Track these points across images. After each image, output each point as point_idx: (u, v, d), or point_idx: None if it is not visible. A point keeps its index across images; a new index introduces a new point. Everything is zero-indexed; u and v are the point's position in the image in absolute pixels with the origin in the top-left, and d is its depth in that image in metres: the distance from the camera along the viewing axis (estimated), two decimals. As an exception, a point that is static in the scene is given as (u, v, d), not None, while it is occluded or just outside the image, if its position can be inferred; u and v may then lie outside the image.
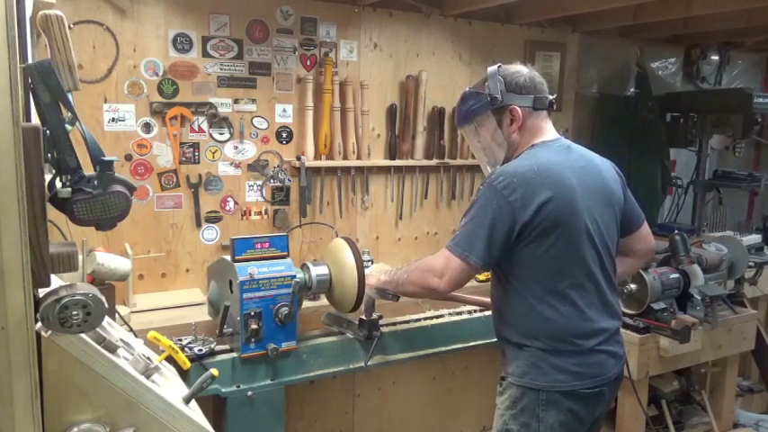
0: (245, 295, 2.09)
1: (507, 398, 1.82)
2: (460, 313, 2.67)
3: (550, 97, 1.87)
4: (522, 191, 1.69)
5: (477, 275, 3.08)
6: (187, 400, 1.40)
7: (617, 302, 1.89)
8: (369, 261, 2.97)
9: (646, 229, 2.02)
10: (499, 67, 1.85)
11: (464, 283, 1.81)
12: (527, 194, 1.69)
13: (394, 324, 2.51)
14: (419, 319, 2.58)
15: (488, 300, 2.03)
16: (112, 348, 1.24)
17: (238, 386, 2.15)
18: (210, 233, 2.84)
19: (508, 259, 1.76)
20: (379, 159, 3.19)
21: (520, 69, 1.85)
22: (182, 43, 2.66)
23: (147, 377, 1.29)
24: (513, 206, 1.69)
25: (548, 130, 1.88)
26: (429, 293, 1.90)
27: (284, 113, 2.93)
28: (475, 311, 2.67)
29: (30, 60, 1.37)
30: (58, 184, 1.19)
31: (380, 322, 2.41)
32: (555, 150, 1.83)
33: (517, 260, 1.76)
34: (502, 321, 1.88)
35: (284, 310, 2.14)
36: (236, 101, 2.81)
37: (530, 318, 1.77)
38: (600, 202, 1.81)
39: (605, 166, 1.91)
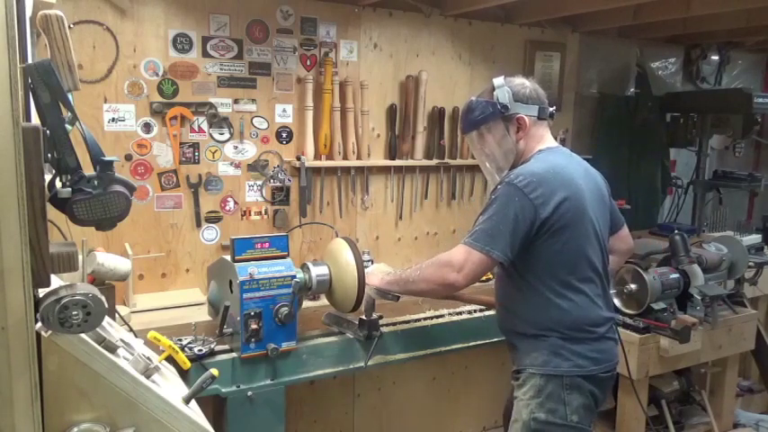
0: (245, 295, 2.09)
1: (530, 388, 1.89)
2: (460, 313, 2.67)
3: (551, 109, 2.00)
4: (542, 189, 1.79)
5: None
6: (187, 400, 1.40)
7: (611, 295, 2.11)
8: (369, 261, 2.96)
9: (626, 230, 2.22)
10: (504, 78, 1.97)
11: (479, 278, 1.89)
12: (546, 193, 1.79)
13: (394, 324, 2.51)
14: (419, 319, 2.58)
15: (487, 298, 2.06)
16: (112, 348, 1.24)
17: (238, 386, 2.15)
18: (210, 233, 2.84)
19: (525, 255, 1.84)
20: (379, 159, 3.19)
21: (524, 82, 1.98)
22: (182, 43, 2.66)
23: (147, 377, 1.29)
24: (535, 203, 1.78)
25: (549, 138, 2.01)
26: (444, 289, 1.93)
27: (284, 113, 2.93)
28: (475, 311, 2.67)
29: (30, 60, 1.37)
30: (58, 184, 1.19)
31: (380, 322, 2.41)
32: (561, 155, 1.96)
33: (536, 255, 1.84)
34: (514, 316, 1.96)
35: (284, 310, 2.14)
36: (236, 101, 2.81)
37: (547, 310, 1.86)
38: (598, 203, 1.95)
39: (596, 173, 2.06)
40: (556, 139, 2.08)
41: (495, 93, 1.94)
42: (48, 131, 1.14)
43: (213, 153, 2.80)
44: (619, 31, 3.89)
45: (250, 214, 2.93)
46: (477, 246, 1.80)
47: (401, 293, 2.12)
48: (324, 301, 2.42)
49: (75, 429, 1.17)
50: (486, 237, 1.80)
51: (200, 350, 2.10)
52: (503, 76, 1.98)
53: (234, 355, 2.15)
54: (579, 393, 1.86)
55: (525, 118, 1.93)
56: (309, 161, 2.93)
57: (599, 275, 1.91)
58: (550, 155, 1.93)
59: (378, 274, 2.19)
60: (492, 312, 2.35)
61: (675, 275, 2.75)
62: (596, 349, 1.88)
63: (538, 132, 1.97)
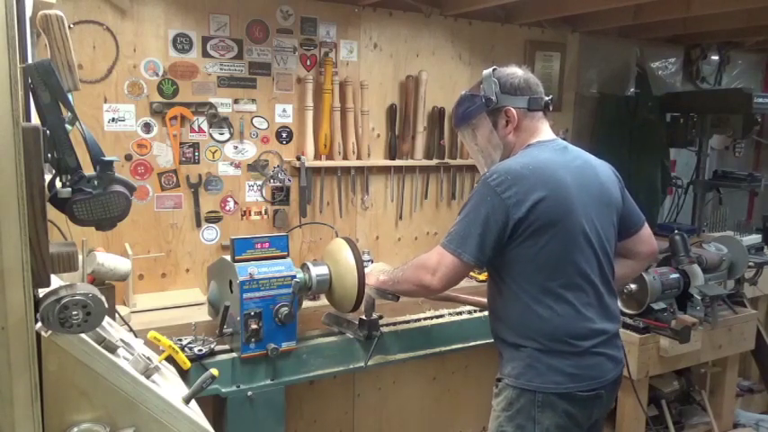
0: (245, 295, 2.09)
1: (503, 399, 1.80)
2: (460, 313, 2.67)
3: (546, 98, 1.86)
4: (516, 188, 1.68)
5: (477, 276, 3.09)
6: (187, 400, 1.40)
7: (615, 305, 1.86)
8: (368, 261, 2.96)
9: (647, 231, 2.00)
10: (494, 69, 1.86)
11: (457, 281, 1.80)
12: (521, 192, 1.67)
13: (394, 324, 2.51)
14: (419, 319, 2.58)
15: (485, 300, 2.01)
16: (112, 348, 1.24)
17: (238, 386, 2.15)
18: (210, 233, 2.84)
19: (502, 258, 1.74)
20: (379, 159, 3.19)
21: (515, 71, 1.86)
22: (182, 43, 2.66)
23: (147, 377, 1.29)
24: (507, 203, 1.67)
25: (544, 131, 1.87)
26: (423, 291, 1.88)
27: (284, 113, 2.93)
28: (475, 311, 2.67)
29: (30, 60, 1.37)
30: (58, 184, 1.19)
31: (380, 322, 2.41)
32: (551, 150, 1.81)
33: (512, 259, 1.73)
34: (498, 321, 1.86)
35: (284, 310, 2.14)
36: (236, 101, 2.81)
37: (525, 317, 1.74)
38: (597, 203, 1.79)
39: (602, 168, 1.89)
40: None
41: (482, 85, 1.85)
42: (48, 131, 1.14)
43: (213, 153, 2.80)
44: (619, 31, 3.89)
45: (250, 214, 2.93)
46: (449, 248, 1.72)
47: (393, 293, 2.08)
48: (324, 301, 2.42)
49: (75, 429, 1.17)
50: (459, 239, 1.71)
51: (200, 350, 2.10)
52: (493, 67, 1.86)
53: (234, 355, 2.15)
54: (552, 412, 1.72)
55: (513, 110, 1.81)
56: (309, 161, 2.93)
57: (590, 283, 1.74)
58: (537, 149, 1.80)
59: (374, 274, 2.16)
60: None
61: (675, 275, 2.75)
62: (578, 365, 1.72)
63: (531, 125, 1.84)
